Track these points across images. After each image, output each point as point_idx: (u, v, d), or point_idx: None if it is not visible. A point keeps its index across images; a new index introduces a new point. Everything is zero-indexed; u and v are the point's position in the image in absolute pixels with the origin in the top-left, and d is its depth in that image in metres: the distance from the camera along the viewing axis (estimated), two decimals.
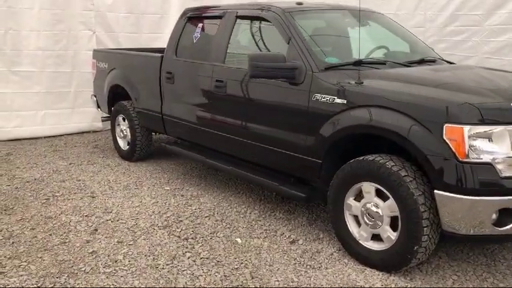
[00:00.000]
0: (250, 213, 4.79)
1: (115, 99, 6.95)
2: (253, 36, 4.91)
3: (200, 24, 5.37)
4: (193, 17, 5.55)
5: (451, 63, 4.87)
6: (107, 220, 4.61)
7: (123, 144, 6.81)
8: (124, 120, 6.68)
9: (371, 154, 3.69)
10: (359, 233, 3.81)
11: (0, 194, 5.36)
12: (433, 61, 4.71)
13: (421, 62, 4.60)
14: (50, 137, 8.15)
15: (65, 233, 4.34)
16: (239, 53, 4.98)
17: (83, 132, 8.50)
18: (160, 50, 6.26)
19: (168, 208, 4.92)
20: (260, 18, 4.72)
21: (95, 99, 7.39)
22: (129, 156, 6.66)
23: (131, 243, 4.14)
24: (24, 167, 6.41)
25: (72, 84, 8.33)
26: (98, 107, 7.41)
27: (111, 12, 8.47)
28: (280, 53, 4.20)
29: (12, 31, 7.74)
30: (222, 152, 5.19)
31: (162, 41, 8.84)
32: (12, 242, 4.16)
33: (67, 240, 4.19)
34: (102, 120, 7.45)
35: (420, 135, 3.33)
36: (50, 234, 4.31)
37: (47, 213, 4.78)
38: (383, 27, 5.14)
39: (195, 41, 5.39)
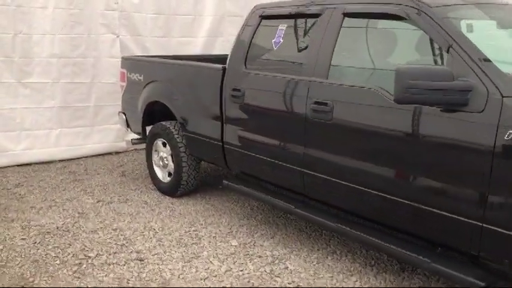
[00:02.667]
0: None
1: (151, 118, 5.49)
2: (374, 41, 3.44)
3: (283, 26, 3.90)
4: (271, 15, 4.07)
5: None
6: None
7: (162, 175, 5.33)
8: (165, 146, 5.20)
9: None
10: None
11: (14, 253, 3.87)
12: None
13: None
14: (65, 160, 6.66)
15: None
16: (353, 65, 3.52)
17: (103, 154, 7.01)
18: (216, 58, 4.81)
19: (249, 281, 3.45)
20: (386, 17, 3.24)
21: (123, 117, 5.91)
22: (172, 190, 5.18)
23: None
24: (41, 206, 4.91)
25: (92, 97, 6.85)
26: (128, 126, 5.91)
27: (138, 13, 7.00)
28: (445, 67, 2.75)
29: (22, 35, 6.26)
30: (314, 198, 3.73)
31: (193, 46, 7.45)
32: None
33: None
34: (133, 143, 5.97)
35: None
36: None
37: None
38: None
39: (275, 48, 3.92)
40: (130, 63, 5.67)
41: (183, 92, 4.79)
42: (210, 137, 4.51)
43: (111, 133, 7.06)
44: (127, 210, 4.83)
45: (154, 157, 5.40)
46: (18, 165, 6.34)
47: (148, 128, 5.63)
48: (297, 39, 3.83)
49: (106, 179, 5.90)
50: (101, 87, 6.87)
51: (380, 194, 3.09)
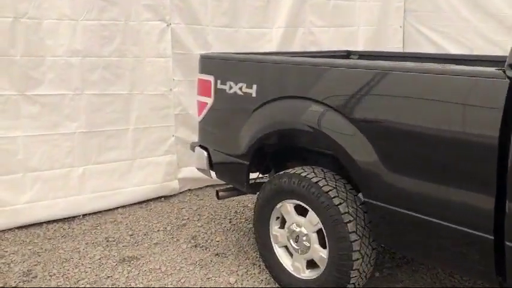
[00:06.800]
0: None
1: (258, 158, 3.08)
2: None
3: None
4: None
5: None
6: None
7: (293, 264, 2.90)
8: (303, 214, 2.75)
9: None
10: None
11: None
12: None
13: None
14: (93, 214, 4.18)
15: None
16: None
17: (148, 201, 4.53)
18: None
19: None
20: None
21: (204, 154, 3.42)
22: None
23: None
24: None
25: (131, 117, 4.40)
26: (211, 168, 3.43)
27: None
28: None
29: (27, 20, 3.79)
30: None
31: (267, 40, 5.09)
32: None
33: None
34: (220, 197, 3.47)
35: None
36: None
37: None
38: None
39: None
40: (225, 65, 3.18)
41: (374, 119, 2.31)
42: (458, 221, 2.06)
43: (158, 169, 4.62)
44: None
45: (273, 229, 2.96)
46: (21, 227, 3.86)
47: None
48: None
49: (172, 255, 3.46)
50: (145, 102, 4.46)
51: None
